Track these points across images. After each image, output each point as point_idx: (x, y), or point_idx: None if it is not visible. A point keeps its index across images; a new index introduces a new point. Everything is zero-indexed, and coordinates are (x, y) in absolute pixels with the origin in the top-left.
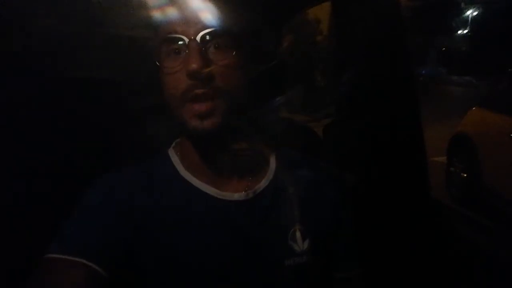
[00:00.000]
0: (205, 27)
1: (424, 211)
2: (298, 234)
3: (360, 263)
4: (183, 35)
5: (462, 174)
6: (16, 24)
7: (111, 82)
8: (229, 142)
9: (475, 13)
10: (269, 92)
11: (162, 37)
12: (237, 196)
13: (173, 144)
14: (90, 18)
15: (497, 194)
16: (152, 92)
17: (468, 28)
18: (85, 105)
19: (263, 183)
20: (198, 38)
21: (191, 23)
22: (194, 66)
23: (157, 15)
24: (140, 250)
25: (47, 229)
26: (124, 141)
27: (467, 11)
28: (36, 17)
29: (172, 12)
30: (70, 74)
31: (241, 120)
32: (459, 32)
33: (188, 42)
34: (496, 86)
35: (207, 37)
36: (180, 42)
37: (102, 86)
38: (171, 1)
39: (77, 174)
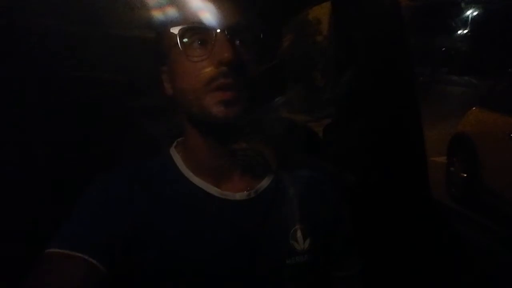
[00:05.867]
0: (232, 20)
1: (424, 211)
2: (299, 233)
3: (360, 262)
4: (211, 25)
5: (462, 174)
6: (16, 24)
7: (111, 82)
8: (232, 141)
9: (475, 13)
10: (269, 92)
11: (187, 25)
12: (239, 195)
13: (175, 143)
14: (90, 18)
15: (497, 194)
16: (152, 92)
17: (468, 28)
18: (85, 104)
19: (264, 183)
20: (228, 29)
21: (219, 14)
22: (227, 55)
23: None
24: (140, 248)
25: (47, 228)
26: (124, 141)
27: (467, 11)
28: (36, 17)
29: (197, 1)
30: (70, 73)
31: (252, 115)
32: (459, 32)
33: (218, 32)
34: (496, 86)
35: (235, 30)
36: (207, 32)
37: (102, 86)
38: None
39: (77, 174)
